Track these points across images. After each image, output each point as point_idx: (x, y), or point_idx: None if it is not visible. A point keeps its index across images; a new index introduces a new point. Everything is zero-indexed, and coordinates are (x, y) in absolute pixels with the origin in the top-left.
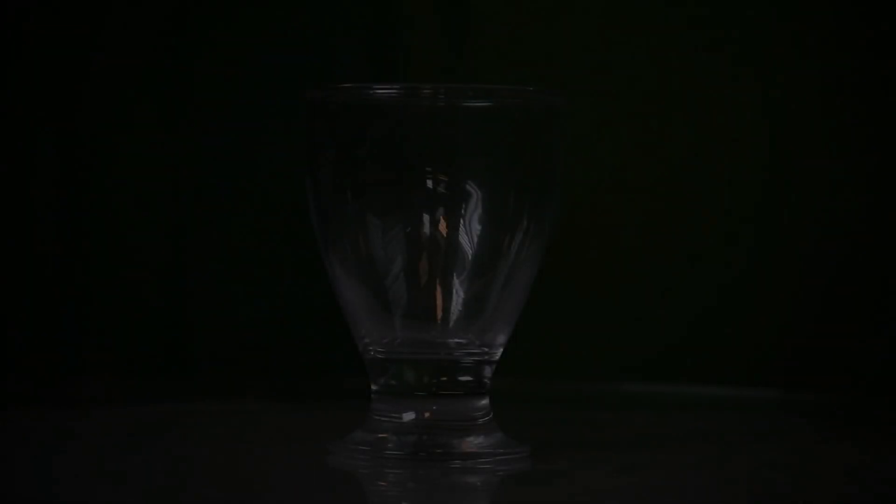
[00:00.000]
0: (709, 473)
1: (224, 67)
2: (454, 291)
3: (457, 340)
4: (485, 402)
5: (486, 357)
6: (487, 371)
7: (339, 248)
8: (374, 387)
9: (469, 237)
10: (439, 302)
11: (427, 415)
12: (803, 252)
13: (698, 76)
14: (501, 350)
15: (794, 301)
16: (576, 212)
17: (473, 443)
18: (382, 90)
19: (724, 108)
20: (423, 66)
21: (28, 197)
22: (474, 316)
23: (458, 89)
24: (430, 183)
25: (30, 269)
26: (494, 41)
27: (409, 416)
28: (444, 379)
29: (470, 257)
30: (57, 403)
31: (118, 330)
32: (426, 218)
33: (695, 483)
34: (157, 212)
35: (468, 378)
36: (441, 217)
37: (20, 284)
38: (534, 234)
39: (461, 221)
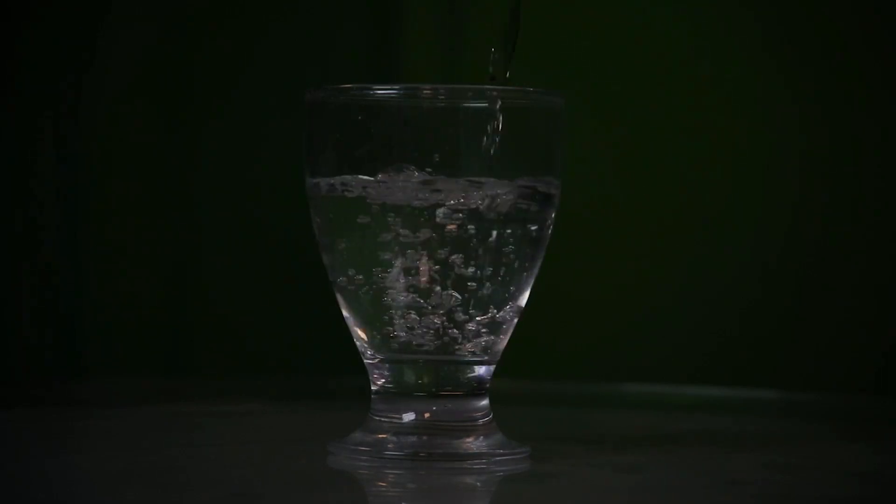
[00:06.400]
0: (709, 473)
1: (224, 67)
2: (454, 292)
3: (457, 340)
4: (485, 402)
5: (487, 358)
6: (487, 372)
7: (338, 248)
8: (373, 387)
9: (469, 238)
10: (439, 302)
11: (427, 416)
12: (803, 252)
13: (698, 77)
14: (502, 351)
15: (794, 301)
16: (576, 212)
17: (473, 443)
18: (382, 90)
19: (723, 108)
20: (423, 66)
21: (28, 197)
22: (474, 317)
23: (458, 89)
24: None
25: (30, 270)
26: (494, 41)
27: (408, 417)
28: (444, 380)
29: (470, 258)
30: (57, 403)
31: (118, 330)
32: (426, 218)
33: (695, 483)
34: (156, 212)
35: (468, 379)
36: (441, 217)
37: (20, 284)
38: (534, 234)
39: (461, 222)
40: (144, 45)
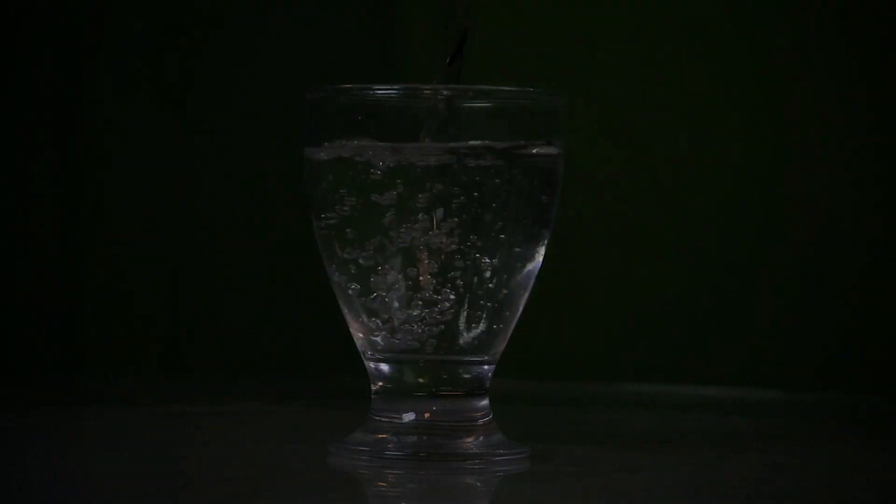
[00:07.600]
0: (709, 473)
1: (224, 67)
2: (454, 292)
3: (457, 340)
4: (484, 402)
5: (487, 357)
6: (487, 372)
7: (338, 248)
8: (373, 387)
9: (469, 238)
10: (439, 303)
11: (427, 415)
12: (803, 252)
13: (698, 76)
14: (502, 351)
15: (794, 301)
16: (576, 212)
17: (473, 443)
18: (382, 90)
19: (723, 108)
20: (423, 66)
21: (28, 196)
22: (475, 316)
23: (458, 89)
24: (429, 184)
25: (30, 269)
26: (495, 41)
27: (408, 417)
28: (444, 380)
29: (470, 258)
30: (57, 403)
31: (118, 330)
32: (426, 219)
33: (695, 483)
34: (156, 211)
35: (468, 379)
36: (441, 218)
37: (20, 284)
38: (534, 234)
39: (462, 223)
40: (145, 46)
